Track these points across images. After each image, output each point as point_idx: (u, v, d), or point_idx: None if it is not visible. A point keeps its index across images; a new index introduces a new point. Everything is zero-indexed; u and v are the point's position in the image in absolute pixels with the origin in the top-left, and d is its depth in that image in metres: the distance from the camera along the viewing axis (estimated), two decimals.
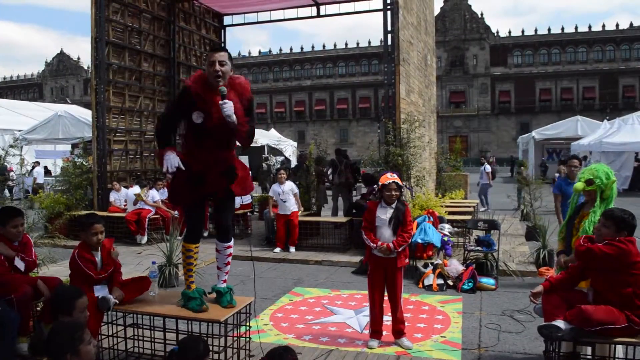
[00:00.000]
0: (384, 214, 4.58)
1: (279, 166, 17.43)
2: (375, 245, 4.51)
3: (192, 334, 3.84)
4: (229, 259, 4.12)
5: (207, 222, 9.86)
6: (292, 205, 8.95)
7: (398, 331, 4.65)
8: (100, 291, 3.88)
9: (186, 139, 3.92)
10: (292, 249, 8.98)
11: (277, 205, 9.54)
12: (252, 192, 11.07)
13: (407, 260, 4.77)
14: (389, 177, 4.62)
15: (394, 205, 4.59)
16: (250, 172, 4.37)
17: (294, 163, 26.63)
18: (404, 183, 4.81)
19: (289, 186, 9.02)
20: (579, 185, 4.03)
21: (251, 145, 4.03)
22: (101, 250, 4.13)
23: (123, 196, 10.67)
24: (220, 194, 3.92)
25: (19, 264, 4.14)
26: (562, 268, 4.05)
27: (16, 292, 3.88)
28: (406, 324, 5.19)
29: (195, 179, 3.79)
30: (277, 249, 9.01)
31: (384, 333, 4.75)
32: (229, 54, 3.72)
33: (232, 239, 4.11)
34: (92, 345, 2.62)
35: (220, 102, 3.55)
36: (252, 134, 3.84)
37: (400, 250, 4.51)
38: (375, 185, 4.72)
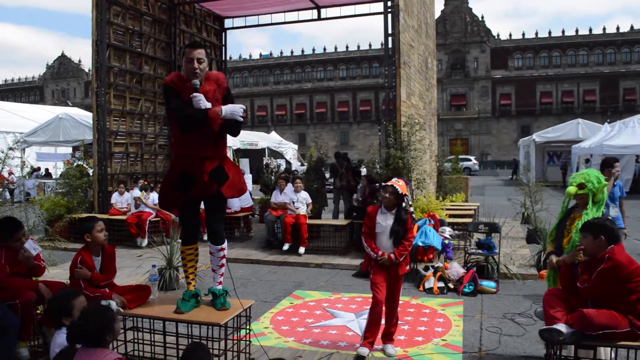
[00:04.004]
0: (384, 220, 4.47)
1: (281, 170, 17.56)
2: (376, 255, 4.41)
3: (194, 341, 3.81)
4: (223, 261, 4.10)
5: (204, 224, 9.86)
6: (302, 210, 9.22)
7: (388, 335, 4.53)
8: (102, 302, 3.86)
9: (173, 133, 4.09)
10: (302, 250, 8.89)
11: (276, 209, 9.55)
12: (250, 194, 11.04)
13: (407, 268, 4.69)
14: (391, 181, 4.53)
15: (394, 212, 4.48)
16: (242, 173, 4.39)
17: (294, 166, 26.70)
18: (406, 193, 4.64)
19: (304, 195, 9.42)
20: (571, 189, 4.07)
21: (239, 135, 4.10)
22: (102, 255, 4.13)
23: (126, 200, 10.66)
24: (211, 197, 3.94)
25: (30, 248, 4.19)
26: (554, 268, 4.06)
27: (21, 297, 3.86)
28: (406, 327, 5.19)
29: (184, 183, 3.86)
30: (286, 245, 8.94)
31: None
32: (206, 51, 3.79)
33: (225, 242, 4.09)
34: (119, 322, 2.84)
35: (191, 95, 3.65)
36: (234, 124, 3.84)
37: (401, 259, 4.45)
38: (377, 185, 4.60)
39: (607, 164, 6.05)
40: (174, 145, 4.08)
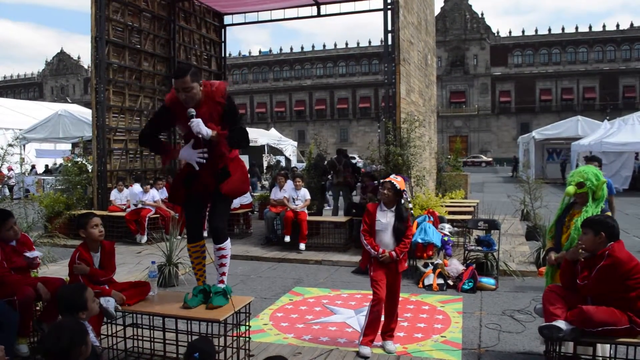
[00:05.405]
0: (384, 217, 4.44)
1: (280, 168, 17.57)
2: (376, 252, 4.37)
3: (200, 335, 3.81)
4: (223, 260, 4.06)
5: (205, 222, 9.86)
6: (301, 208, 9.19)
7: (388, 332, 4.51)
8: (102, 299, 3.86)
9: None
10: (302, 246, 8.87)
11: (275, 205, 9.54)
12: (249, 192, 11.03)
13: (406, 265, 4.68)
14: (390, 177, 4.51)
15: (393, 209, 4.46)
16: (248, 174, 4.38)
17: (293, 163, 26.67)
18: (405, 190, 4.59)
19: (303, 192, 9.38)
20: (570, 189, 4.03)
21: (250, 144, 4.13)
22: (101, 251, 4.12)
23: (125, 196, 10.64)
24: (211, 194, 3.96)
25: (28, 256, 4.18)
26: (553, 265, 4.06)
27: (19, 293, 3.85)
28: (406, 324, 5.19)
29: (189, 179, 3.99)
30: (287, 238, 8.93)
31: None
32: (193, 72, 3.77)
33: (226, 241, 4.04)
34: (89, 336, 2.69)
35: (189, 122, 3.71)
36: (240, 136, 3.89)
37: (401, 256, 4.43)
38: (376, 182, 4.58)
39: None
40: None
